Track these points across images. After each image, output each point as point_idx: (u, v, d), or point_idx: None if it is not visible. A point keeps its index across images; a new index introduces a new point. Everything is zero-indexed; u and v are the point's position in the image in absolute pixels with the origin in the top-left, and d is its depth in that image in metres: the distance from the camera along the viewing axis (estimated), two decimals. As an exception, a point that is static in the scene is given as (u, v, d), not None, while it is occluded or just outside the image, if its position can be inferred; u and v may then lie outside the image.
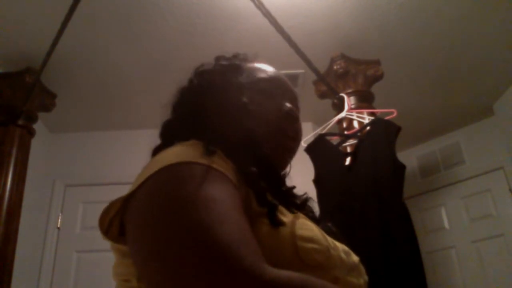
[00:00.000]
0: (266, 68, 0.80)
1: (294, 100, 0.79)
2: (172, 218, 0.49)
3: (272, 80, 0.77)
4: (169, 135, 0.74)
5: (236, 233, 0.47)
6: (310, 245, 0.56)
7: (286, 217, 0.58)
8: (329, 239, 0.61)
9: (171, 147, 0.61)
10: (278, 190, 0.67)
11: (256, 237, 0.51)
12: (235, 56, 0.82)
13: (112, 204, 0.56)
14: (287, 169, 0.79)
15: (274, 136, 0.71)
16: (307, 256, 0.55)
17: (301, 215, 0.63)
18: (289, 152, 0.76)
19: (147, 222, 0.51)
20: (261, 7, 1.80)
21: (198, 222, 0.47)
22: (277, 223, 0.56)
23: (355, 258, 0.65)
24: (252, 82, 0.75)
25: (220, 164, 0.57)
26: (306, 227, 0.58)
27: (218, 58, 0.83)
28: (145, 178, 0.54)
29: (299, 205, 0.73)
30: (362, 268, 0.66)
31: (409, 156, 3.55)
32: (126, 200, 0.55)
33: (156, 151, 0.72)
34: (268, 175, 0.65)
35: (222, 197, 0.51)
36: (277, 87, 0.77)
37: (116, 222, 0.56)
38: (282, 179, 0.72)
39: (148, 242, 0.49)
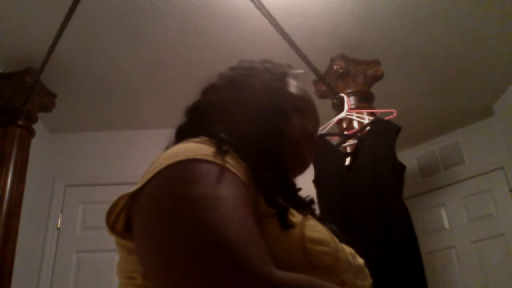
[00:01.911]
0: (302, 87, 0.82)
1: (316, 125, 0.82)
2: (180, 216, 0.48)
3: (306, 101, 0.80)
4: (195, 117, 0.75)
5: (244, 234, 0.47)
6: (319, 248, 0.55)
7: (295, 218, 0.58)
8: (338, 241, 0.61)
9: (181, 142, 0.60)
10: (289, 193, 0.67)
11: (265, 238, 0.51)
12: (280, 65, 0.83)
13: (119, 199, 0.56)
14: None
15: (293, 149, 0.73)
16: (316, 258, 0.54)
17: (310, 216, 0.63)
18: (303, 167, 0.77)
19: (154, 218, 0.50)
20: (261, 7, 1.80)
21: (207, 221, 0.47)
22: (287, 226, 0.55)
23: (360, 260, 0.65)
24: (292, 95, 0.77)
25: (232, 163, 0.56)
26: (316, 229, 0.58)
27: (266, 61, 0.83)
28: (154, 173, 0.53)
29: (306, 207, 0.73)
30: (367, 271, 0.66)
31: (409, 156, 3.54)
32: (133, 196, 0.55)
33: (180, 130, 0.73)
34: (281, 179, 0.66)
35: (232, 197, 0.51)
36: (307, 108, 0.79)
37: (122, 218, 0.56)
38: (294, 184, 0.74)
39: (155, 239, 0.49)
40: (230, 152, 0.59)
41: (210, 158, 0.54)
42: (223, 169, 0.54)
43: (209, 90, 0.78)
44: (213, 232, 0.46)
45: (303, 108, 0.78)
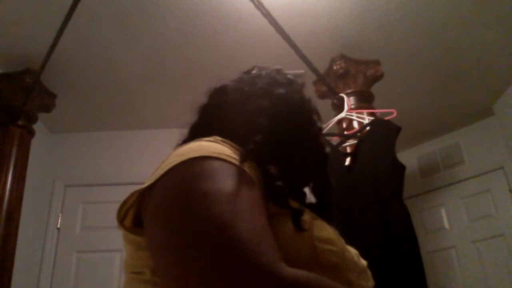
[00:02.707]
0: (311, 98, 0.85)
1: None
2: (192, 211, 0.49)
3: (318, 113, 0.83)
4: (214, 120, 0.75)
5: (255, 230, 0.48)
6: (327, 246, 0.56)
7: (304, 216, 0.59)
8: (344, 241, 0.62)
9: (192, 141, 0.61)
10: (300, 194, 0.68)
11: (275, 237, 0.52)
12: (298, 76, 0.85)
13: (131, 195, 0.57)
14: None
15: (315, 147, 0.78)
16: (323, 257, 0.55)
17: (316, 216, 0.64)
18: (324, 163, 0.80)
19: (166, 214, 0.51)
20: (260, 7, 1.81)
21: (218, 217, 0.48)
22: (302, 228, 0.56)
23: (364, 262, 0.66)
24: (311, 108, 0.81)
25: (241, 162, 0.57)
26: (324, 228, 0.59)
27: (280, 70, 0.82)
28: (166, 170, 0.54)
29: (315, 207, 0.74)
30: (369, 273, 0.67)
31: (409, 156, 3.55)
32: (144, 192, 0.55)
33: (194, 128, 0.74)
34: (293, 181, 0.68)
35: (244, 195, 0.52)
36: (319, 120, 0.83)
37: (131, 213, 0.57)
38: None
39: (167, 233, 0.50)
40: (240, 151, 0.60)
41: (223, 156, 0.55)
42: (234, 167, 0.55)
43: (227, 92, 0.77)
44: (225, 228, 0.47)
45: (317, 120, 0.81)
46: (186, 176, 0.53)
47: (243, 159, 0.57)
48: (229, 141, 0.61)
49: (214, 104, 0.77)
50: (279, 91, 0.75)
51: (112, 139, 3.10)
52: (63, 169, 3.00)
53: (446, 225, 3.39)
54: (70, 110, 2.86)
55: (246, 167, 0.57)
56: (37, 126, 2.53)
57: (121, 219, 0.57)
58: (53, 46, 1.89)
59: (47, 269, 2.72)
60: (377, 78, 2.40)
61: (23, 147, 2.35)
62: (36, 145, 2.53)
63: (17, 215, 2.22)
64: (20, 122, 2.36)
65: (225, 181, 0.52)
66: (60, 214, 2.88)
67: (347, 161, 2.00)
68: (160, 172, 0.55)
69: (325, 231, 0.59)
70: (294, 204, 0.60)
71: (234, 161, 0.56)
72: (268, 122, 0.69)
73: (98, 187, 2.89)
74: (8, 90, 2.36)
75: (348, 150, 2.09)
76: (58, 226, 2.85)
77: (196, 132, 0.73)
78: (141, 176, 0.60)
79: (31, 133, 2.44)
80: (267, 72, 0.80)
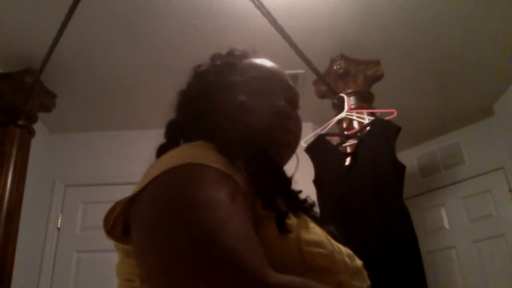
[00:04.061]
0: (262, 65, 0.78)
1: (291, 95, 0.76)
2: (177, 219, 0.48)
3: (265, 78, 0.75)
4: (174, 135, 0.75)
5: (241, 237, 0.47)
6: (315, 250, 0.55)
7: (291, 220, 0.58)
8: (334, 243, 0.61)
9: (177, 147, 0.60)
10: (286, 194, 0.67)
11: (262, 241, 0.51)
12: (231, 53, 0.81)
13: (117, 204, 0.56)
14: (293, 173, 0.76)
15: (268, 133, 0.70)
16: (312, 260, 0.54)
17: (306, 218, 0.63)
18: (286, 148, 0.74)
19: (152, 221, 0.51)
20: (261, 7, 1.81)
21: (204, 224, 0.47)
22: (285, 230, 0.55)
23: (358, 262, 0.65)
24: (244, 81, 0.74)
25: (228, 167, 0.56)
26: (312, 231, 0.58)
27: (213, 57, 0.82)
28: (151, 178, 0.53)
29: (305, 208, 0.72)
30: (365, 273, 0.66)
31: (409, 156, 3.54)
32: (131, 200, 0.55)
33: (161, 150, 0.72)
34: (276, 178, 0.65)
35: (230, 201, 0.51)
36: (270, 85, 0.75)
37: (120, 222, 0.56)
38: (289, 181, 0.71)
39: (153, 241, 0.49)
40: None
41: (208, 162, 0.55)
42: (221, 173, 0.54)
43: (176, 109, 0.80)
44: (211, 234, 0.46)
45: (262, 86, 0.73)
46: (172, 183, 0.52)
47: (230, 164, 0.56)
48: (214, 146, 0.60)
49: (173, 121, 0.79)
50: (197, 85, 0.79)
51: (112, 139, 3.10)
52: (63, 169, 3.00)
53: (446, 225, 3.39)
54: (70, 110, 2.86)
55: (233, 172, 0.56)
56: (37, 126, 2.53)
57: (109, 229, 0.56)
58: (53, 46, 1.89)
59: (47, 269, 2.72)
60: (377, 78, 2.40)
61: (23, 147, 2.35)
62: (36, 145, 2.53)
63: (17, 215, 2.22)
64: (20, 122, 2.35)
65: (212, 188, 0.51)
66: (60, 214, 2.88)
67: (347, 161, 2.00)
68: (147, 179, 0.54)
69: (313, 234, 0.57)
70: (281, 205, 0.59)
71: (220, 166, 0.55)
72: (208, 116, 0.71)
73: (98, 187, 2.89)
74: (8, 90, 2.36)
75: (348, 150, 2.09)
76: (58, 226, 2.85)
77: (163, 150, 0.72)
78: (140, 179, 0.59)
79: (31, 133, 2.44)
80: (197, 69, 0.84)
